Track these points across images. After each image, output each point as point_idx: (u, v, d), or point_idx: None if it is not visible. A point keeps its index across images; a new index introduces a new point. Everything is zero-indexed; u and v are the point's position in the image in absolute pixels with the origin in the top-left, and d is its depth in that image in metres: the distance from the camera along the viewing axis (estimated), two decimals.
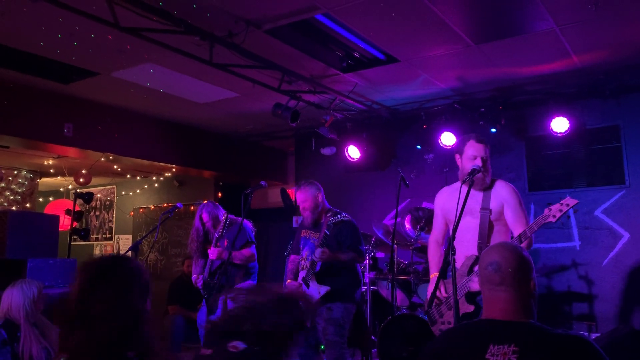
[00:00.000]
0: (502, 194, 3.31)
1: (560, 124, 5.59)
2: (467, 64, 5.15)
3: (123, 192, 9.59)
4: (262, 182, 4.26)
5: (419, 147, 6.69)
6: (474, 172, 3.14)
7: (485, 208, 3.29)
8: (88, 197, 6.55)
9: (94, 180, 8.57)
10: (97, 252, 9.90)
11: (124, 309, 1.59)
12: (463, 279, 3.18)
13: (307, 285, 4.04)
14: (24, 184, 8.65)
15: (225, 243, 4.54)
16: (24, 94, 5.50)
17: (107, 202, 9.88)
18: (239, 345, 1.24)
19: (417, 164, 6.84)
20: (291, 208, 7.73)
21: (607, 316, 5.54)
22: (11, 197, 8.47)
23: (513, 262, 1.81)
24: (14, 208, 8.36)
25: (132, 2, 3.63)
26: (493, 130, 6.02)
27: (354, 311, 4.11)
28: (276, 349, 1.27)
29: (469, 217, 3.32)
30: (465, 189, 3.07)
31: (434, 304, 3.33)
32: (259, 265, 4.93)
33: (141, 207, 9.26)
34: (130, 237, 9.38)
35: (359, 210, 6.55)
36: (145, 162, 6.92)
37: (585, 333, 5.36)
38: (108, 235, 9.78)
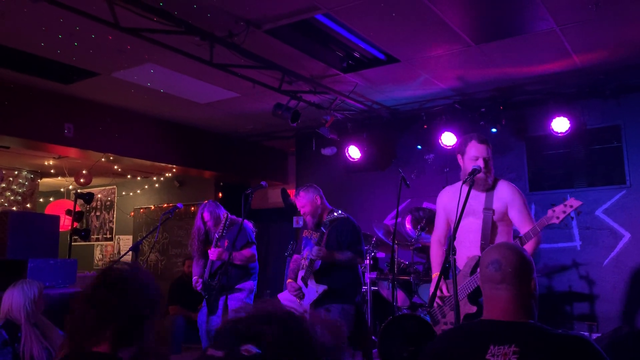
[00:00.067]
0: (506, 194, 3.29)
1: (560, 124, 5.59)
2: (467, 64, 5.15)
3: (123, 193, 9.60)
4: (263, 183, 4.26)
5: (419, 147, 6.69)
6: (474, 172, 3.13)
7: (488, 208, 3.27)
8: (88, 198, 6.56)
9: (95, 181, 8.58)
10: (97, 252, 9.90)
11: (122, 312, 1.64)
12: (466, 279, 3.16)
13: (306, 284, 4.04)
14: (24, 184, 8.66)
15: (226, 244, 4.54)
16: (25, 95, 5.50)
17: (108, 203, 9.89)
18: (252, 349, 1.24)
19: (417, 164, 6.84)
20: (292, 208, 7.73)
21: (608, 316, 5.54)
22: (12, 198, 8.48)
23: (514, 261, 1.81)
24: (14, 208, 8.37)
25: (132, 2, 3.63)
26: (493, 130, 6.02)
27: (352, 312, 4.07)
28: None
29: (471, 217, 3.31)
30: (466, 188, 3.06)
31: (437, 304, 3.32)
32: (260, 266, 4.92)
33: (142, 208, 9.27)
34: (130, 237, 9.39)
35: (360, 210, 6.55)
36: (146, 162, 6.92)
37: (586, 333, 5.35)
38: (109, 236, 9.79)
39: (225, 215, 4.57)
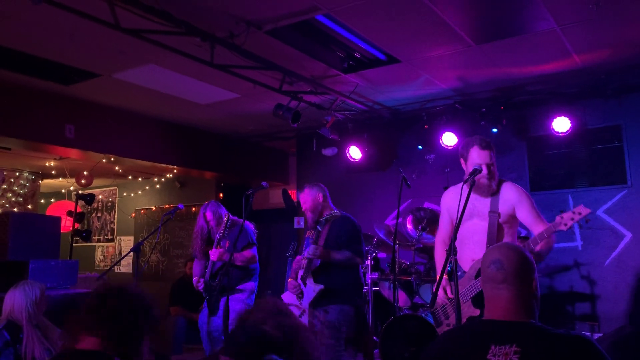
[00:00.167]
0: (512, 196, 3.26)
1: (561, 124, 5.58)
2: (468, 64, 5.15)
3: (124, 194, 9.61)
4: (264, 183, 4.26)
5: (420, 147, 6.69)
6: (475, 172, 3.13)
7: (493, 211, 3.25)
8: (90, 199, 6.57)
9: (96, 182, 8.59)
10: (98, 253, 9.91)
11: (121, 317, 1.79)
12: (470, 282, 3.14)
13: (305, 284, 4.04)
14: (25, 185, 8.67)
15: (227, 244, 4.54)
16: (26, 96, 5.51)
17: (109, 204, 9.90)
18: (275, 358, 1.27)
19: (418, 164, 6.84)
20: (292, 209, 7.74)
21: (609, 316, 5.53)
22: (13, 199, 8.49)
23: (515, 261, 1.81)
24: (15, 209, 8.38)
25: (133, 3, 3.64)
26: (494, 130, 6.02)
27: (352, 313, 4.03)
28: None
29: (476, 219, 3.29)
30: (467, 189, 3.05)
31: (440, 305, 3.30)
32: (261, 267, 4.93)
33: (143, 209, 9.28)
34: (131, 238, 9.39)
35: (361, 210, 6.55)
36: (147, 163, 6.93)
37: (588, 333, 5.35)
38: (110, 237, 9.79)
39: (227, 216, 4.58)
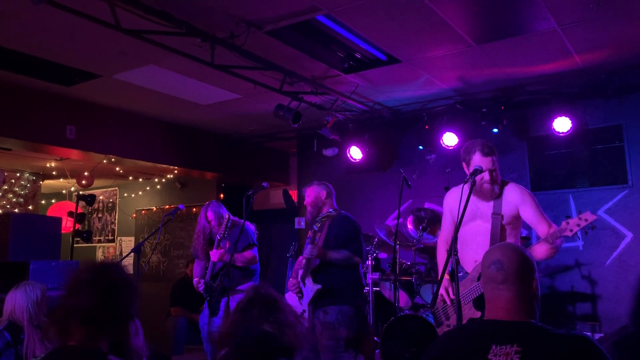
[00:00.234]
0: (515, 197, 3.26)
1: (562, 124, 5.58)
2: (468, 64, 5.15)
3: (125, 194, 9.61)
4: (264, 184, 4.27)
5: (421, 147, 6.68)
6: (476, 172, 3.13)
7: (496, 213, 3.25)
8: (90, 199, 6.56)
9: (97, 182, 8.59)
10: (99, 254, 9.91)
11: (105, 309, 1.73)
12: (473, 284, 3.13)
13: (304, 284, 4.04)
14: (26, 186, 8.67)
15: (227, 245, 4.54)
16: (26, 97, 5.51)
17: (110, 204, 9.90)
18: None
19: (419, 165, 6.84)
20: (293, 209, 7.74)
21: (610, 316, 5.53)
22: (14, 200, 8.49)
23: (516, 261, 1.81)
24: (16, 210, 8.38)
25: (133, 4, 3.64)
26: (495, 130, 6.02)
27: (352, 314, 4.01)
28: None
29: (479, 220, 3.29)
30: (467, 189, 3.05)
31: (441, 305, 3.30)
32: (261, 267, 4.93)
33: (143, 209, 9.28)
34: (132, 239, 9.39)
35: (361, 211, 6.55)
36: (148, 164, 6.93)
37: (589, 333, 5.35)
38: (110, 237, 9.80)
39: (227, 217, 4.58)
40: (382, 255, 6.41)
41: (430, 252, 5.69)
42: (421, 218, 5.76)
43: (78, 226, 6.51)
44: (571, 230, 2.91)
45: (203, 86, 5.55)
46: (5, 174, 8.35)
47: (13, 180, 8.50)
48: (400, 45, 4.66)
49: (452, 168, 6.45)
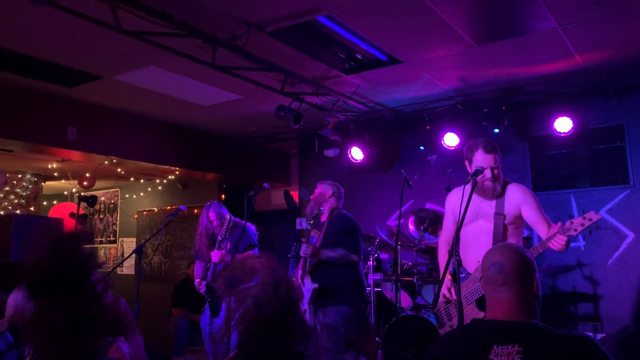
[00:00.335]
0: (517, 196, 3.26)
1: (563, 124, 5.58)
2: (469, 65, 5.15)
3: (127, 195, 9.62)
4: (265, 184, 4.27)
5: (422, 148, 6.68)
6: (477, 172, 3.13)
7: (499, 213, 3.25)
8: (92, 200, 6.56)
9: (98, 184, 8.59)
10: (101, 255, 9.92)
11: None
12: (476, 284, 3.12)
13: (303, 283, 4.04)
14: (28, 187, 8.68)
15: (228, 246, 4.54)
16: (28, 98, 5.52)
17: (111, 205, 9.91)
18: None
19: (420, 165, 6.83)
20: (295, 210, 7.74)
21: (612, 316, 5.52)
22: (15, 201, 8.50)
23: (516, 263, 1.81)
24: (18, 212, 8.39)
25: (134, 5, 3.64)
26: (496, 130, 6.01)
27: (351, 314, 4.00)
28: None
29: (482, 220, 3.29)
30: (469, 190, 3.05)
31: (443, 306, 3.29)
32: None
33: (145, 210, 9.28)
34: (134, 239, 9.40)
35: (363, 211, 6.55)
36: (149, 165, 6.93)
37: (591, 333, 5.34)
38: (112, 238, 9.81)
39: (228, 217, 4.58)
40: (384, 256, 6.41)
41: (431, 252, 5.69)
42: (423, 218, 5.76)
43: (80, 227, 6.52)
44: (575, 230, 2.91)
45: (204, 87, 5.55)
46: (7, 176, 8.37)
47: (15, 182, 8.52)
48: (401, 46, 4.67)
49: (453, 168, 6.45)
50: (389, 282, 5.58)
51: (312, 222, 4.10)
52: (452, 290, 3.22)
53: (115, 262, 9.59)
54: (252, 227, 4.78)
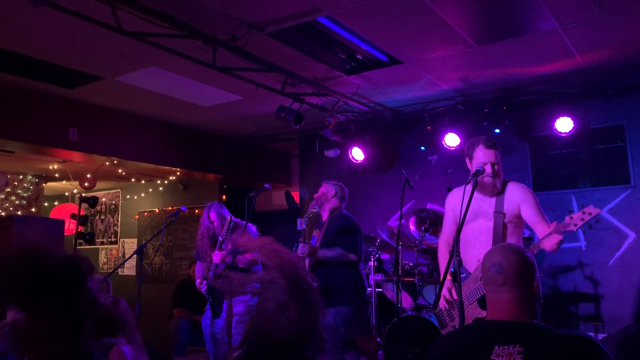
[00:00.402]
0: (517, 195, 3.26)
1: (564, 124, 5.57)
2: (470, 65, 5.15)
3: (128, 196, 9.62)
4: (266, 185, 4.28)
5: (422, 148, 6.68)
6: (478, 173, 3.13)
7: (499, 212, 3.24)
8: (93, 201, 6.56)
9: (99, 184, 8.60)
10: (102, 256, 9.93)
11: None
12: (477, 283, 3.11)
13: None
14: (29, 188, 8.69)
15: (229, 246, 4.54)
16: (29, 99, 5.53)
17: (112, 206, 9.91)
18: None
19: (421, 165, 6.83)
20: (295, 210, 7.74)
21: (613, 316, 5.51)
22: (17, 202, 8.51)
23: (516, 263, 1.81)
24: (19, 213, 8.40)
25: (134, 6, 3.65)
26: (497, 130, 6.01)
27: (350, 314, 3.98)
28: None
29: (481, 219, 3.28)
30: (469, 189, 3.05)
31: (445, 307, 3.28)
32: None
33: (146, 211, 9.29)
34: (135, 240, 9.41)
35: (363, 212, 6.55)
36: (150, 165, 6.94)
37: (592, 333, 5.33)
38: (113, 239, 9.81)
39: (229, 218, 4.58)
40: (385, 257, 6.41)
41: (432, 253, 5.68)
42: (423, 219, 5.76)
43: (81, 228, 6.51)
44: (575, 225, 2.89)
45: (205, 88, 5.56)
46: (8, 177, 8.38)
47: (16, 183, 8.53)
48: (401, 46, 4.67)
49: (454, 169, 6.45)
50: (390, 283, 5.58)
51: (307, 221, 4.10)
52: (453, 291, 3.21)
53: (116, 263, 9.60)
54: (253, 227, 4.78)
